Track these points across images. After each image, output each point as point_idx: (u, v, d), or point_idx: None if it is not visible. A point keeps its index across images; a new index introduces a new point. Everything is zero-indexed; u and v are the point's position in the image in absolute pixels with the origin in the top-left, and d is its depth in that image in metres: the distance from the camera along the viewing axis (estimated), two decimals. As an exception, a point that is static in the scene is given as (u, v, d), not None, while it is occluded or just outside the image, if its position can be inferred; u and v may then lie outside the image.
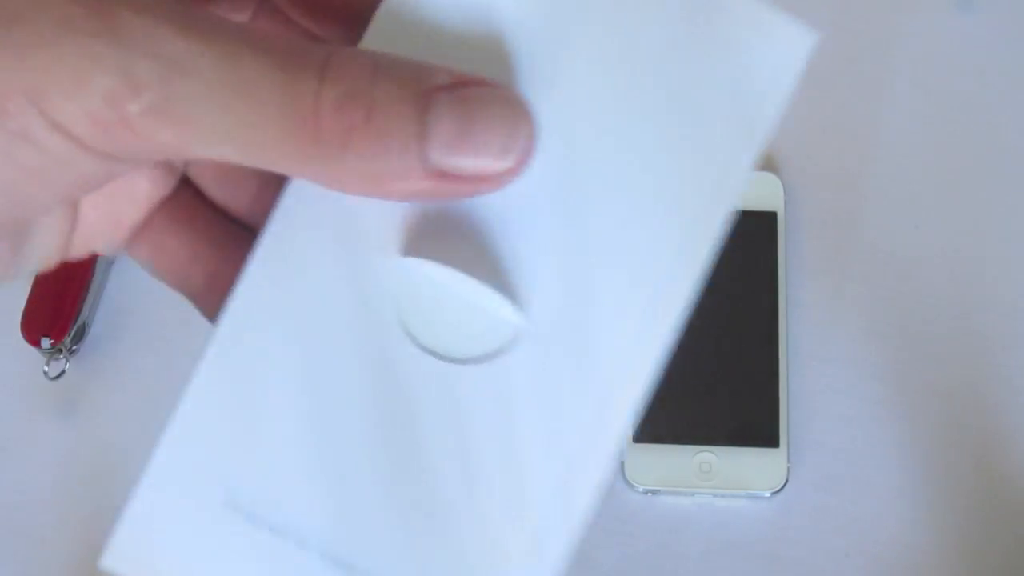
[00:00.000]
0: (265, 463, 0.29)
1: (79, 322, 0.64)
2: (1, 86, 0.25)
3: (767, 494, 0.60)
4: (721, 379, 0.62)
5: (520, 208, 0.29)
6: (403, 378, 0.29)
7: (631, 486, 0.61)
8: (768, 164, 0.66)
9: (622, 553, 0.61)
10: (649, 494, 0.61)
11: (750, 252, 0.64)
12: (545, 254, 0.29)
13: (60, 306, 0.64)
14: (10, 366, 0.65)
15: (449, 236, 0.29)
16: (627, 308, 0.30)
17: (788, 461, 0.60)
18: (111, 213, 0.32)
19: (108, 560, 0.29)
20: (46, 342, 0.63)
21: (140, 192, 0.32)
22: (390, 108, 0.26)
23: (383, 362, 0.29)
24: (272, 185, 0.30)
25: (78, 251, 0.32)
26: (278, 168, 0.27)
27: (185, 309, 0.68)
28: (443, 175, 0.27)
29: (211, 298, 0.32)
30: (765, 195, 0.65)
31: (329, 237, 0.29)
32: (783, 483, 0.60)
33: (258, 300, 0.29)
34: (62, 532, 0.62)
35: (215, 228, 0.33)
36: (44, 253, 0.31)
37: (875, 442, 0.62)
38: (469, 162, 0.27)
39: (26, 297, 0.64)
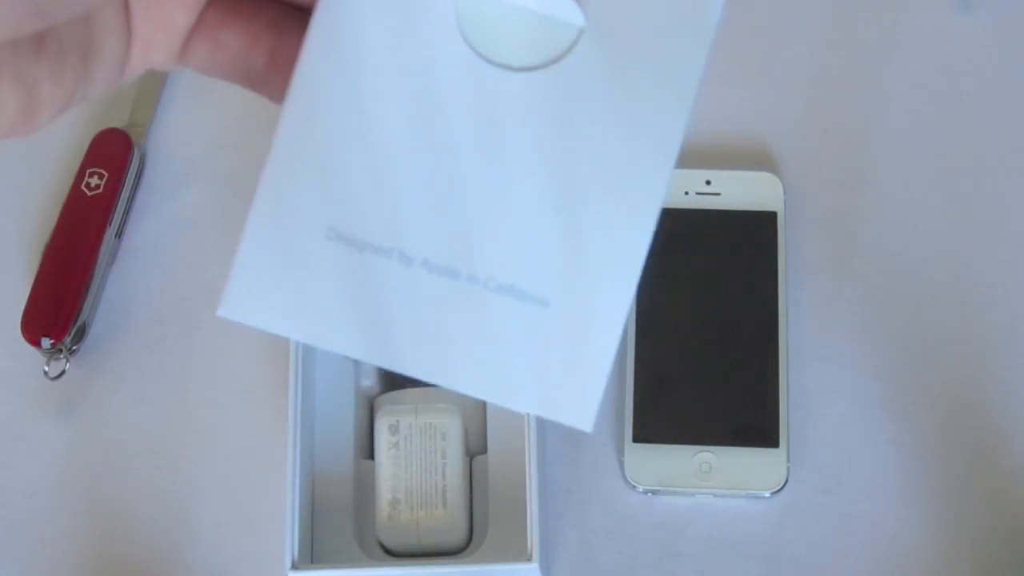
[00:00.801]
0: (357, 190, 0.30)
1: (79, 322, 0.64)
2: None
3: (767, 494, 0.60)
4: (721, 379, 0.62)
5: None
6: (479, 96, 0.30)
7: (631, 486, 0.61)
8: (768, 164, 0.66)
9: (622, 553, 0.61)
10: (649, 494, 0.61)
11: (750, 252, 0.64)
12: None
13: (60, 306, 0.64)
14: (10, 366, 0.65)
15: None
16: (675, 31, 0.31)
17: (788, 461, 0.60)
18: (163, 21, 0.34)
19: (224, 311, 0.31)
20: (46, 342, 0.63)
21: None
22: None
23: (456, 83, 0.30)
24: None
25: (137, 67, 0.34)
26: None
27: (185, 309, 0.69)
28: None
29: (273, 78, 0.33)
30: (765, 195, 0.65)
31: None
32: (783, 483, 0.60)
33: (329, 42, 0.30)
34: (62, 532, 0.62)
35: (268, 11, 0.34)
36: (109, 71, 0.32)
37: (875, 442, 0.62)
38: None
39: (26, 297, 0.64)
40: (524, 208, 0.31)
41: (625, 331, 0.62)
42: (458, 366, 0.31)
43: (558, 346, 0.30)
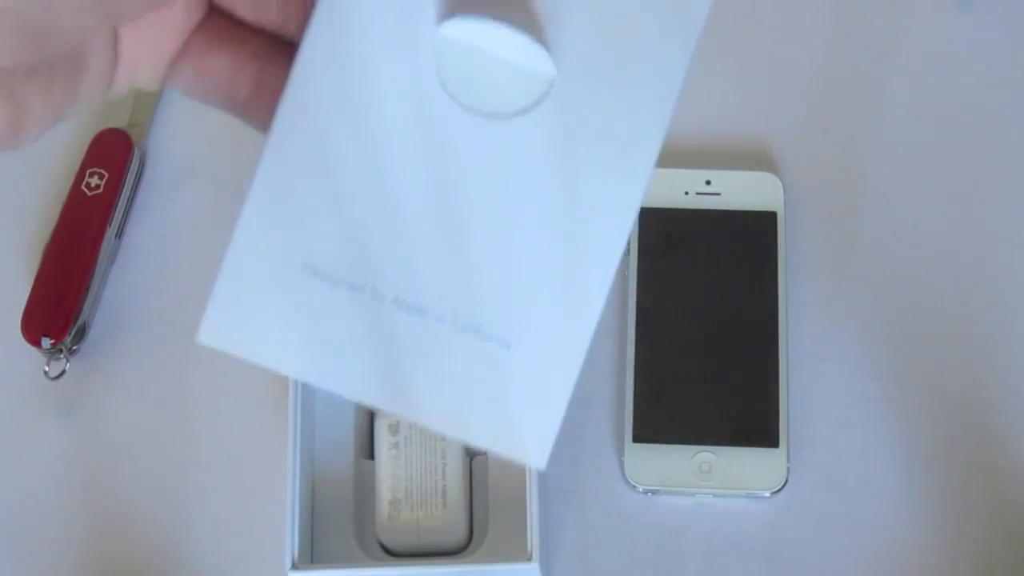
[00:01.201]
0: (333, 227, 0.31)
1: (79, 322, 0.64)
2: None
3: (767, 494, 0.60)
4: (721, 379, 0.62)
5: None
6: (453, 140, 0.32)
7: (631, 486, 0.61)
8: (768, 164, 0.66)
9: (622, 553, 0.61)
10: (649, 494, 0.61)
11: (750, 252, 0.64)
12: (573, 14, 0.31)
13: (60, 306, 0.64)
14: (10, 366, 0.65)
15: (483, 3, 0.32)
16: (648, 59, 0.32)
17: (788, 461, 0.60)
18: (151, 44, 0.35)
19: (203, 337, 0.32)
20: (46, 342, 0.63)
21: (176, 21, 0.35)
22: None
23: (432, 127, 0.32)
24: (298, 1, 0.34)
25: (122, 85, 0.35)
26: None
27: (185, 309, 0.69)
28: None
29: (258, 104, 0.35)
30: (765, 195, 0.65)
31: (369, 21, 0.32)
32: (783, 483, 0.60)
33: (314, 77, 0.32)
34: (62, 532, 0.62)
35: (253, 41, 0.36)
36: (94, 88, 0.33)
37: (875, 442, 0.62)
38: None
39: (26, 297, 0.64)
40: (490, 252, 0.31)
41: (624, 336, 0.63)
42: (420, 400, 0.32)
43: (516, 386, 0.32)
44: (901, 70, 0.68)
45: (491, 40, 0.31)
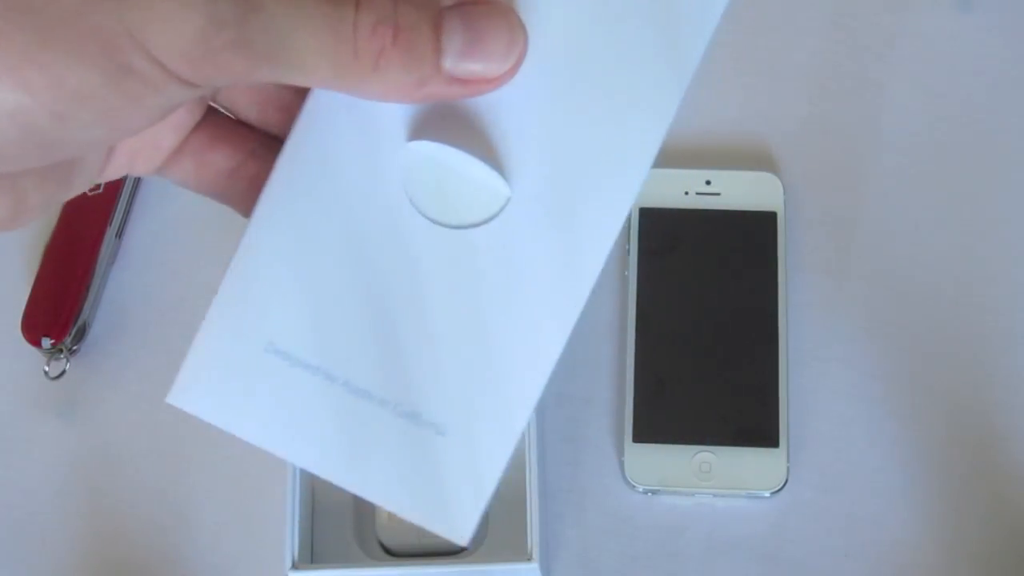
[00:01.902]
0: (297, 313, 0.35)
1: (79, 322, 0.64)
2: (110, 26, 0.30)
3: (767, 494, 0.60)
4: (721, 379, 0.62)
5: (510, 100, 0.35)
6: (412, 244, 0.35)
7: (631, 486, 0.61)
8: (768, 164, 0.66)
9: (622, 553, 0.61)
10: (649, 494, 0.61)
11: (750, 252, 0.64)
12: (529, 138, 0.35)
13: (60, 306, 0.64)
14: (10, 366, 0.65)
15: (449, 124, 0.35)
16: (596, 182, 0.35)
17: (788, 461, 0.60)
18: (151, 140, 0.37)
19: (172, 398, 0.36)
20: (46, 342, 0.64)
21: (176, 121, 0.37)
22: (411, 30, 0.32)
23: (395, 231, 0.35)
24: (299, 101, 0.36)
25: (116, 174, 0.37)
26: (323, 85, 0.33)
27: (185, 309, 0.69)
28: (456, 80, 0.33)
29: (253, 198, 0.36)
30: (765, 195, 0.65)
31: (346, 130, 0.35)
32: (783, 483, 0.60)
33: (290, 183, 0.35)
34: (62, 532, 0.62)
35: (252, 140, 0.38)
36: (88, 179, 0.35)
37: (875, 442, 0.62)
38: (477, 67, 0.33)
39: (26, 297, 0.64)
40: (435, 346, 0.35)
41: (624, 336, 0.63)
42: (363, 477, 0.35)
43: (448, 471, 0.35)
44: (901, 70, 0.68)
45: (451, 159, 0.35)
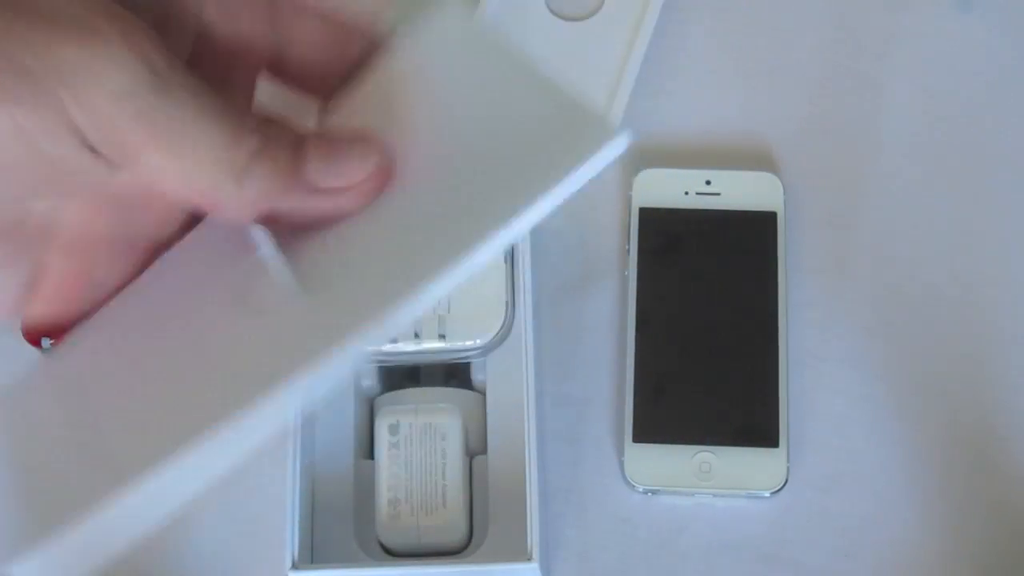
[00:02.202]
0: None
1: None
2: (34, 80, 0.32)
3: (767, 494, 0.60)
4: (721, 379, 0.62)
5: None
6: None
7: (631, 486, 0.61)
8: (768, 164, 0.66)
9: (622, 553, 0.61)
10: (649, 494, 0.61)
11: (750, 252, 0.64)
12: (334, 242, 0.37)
13: (60, 306, 0.63)
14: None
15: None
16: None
17: (788, 461, 0.60)
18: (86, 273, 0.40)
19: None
20: (46, 342, 0.63)
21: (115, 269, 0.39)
22: (277, 140, 0.36)
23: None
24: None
25: (40, 310, 0.41)
26: (197, 187, 0.35)
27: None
28: (316, 190, 0.37)
29: None
30: (765, 195, 0.65)
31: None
32: (783, 483, 0.60)
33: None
34: (62, 532, 0.62)
35: None
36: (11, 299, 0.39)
37: (875, 442, 0.62)
38: (337, 180, 0.37)
39: (26, 297, 0.64)
40: None
41: (624, 336, 0.63)
42: None
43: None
44: (901, 70, 0.68)
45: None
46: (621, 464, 0.61)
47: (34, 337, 0.64)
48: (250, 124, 0.36)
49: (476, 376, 0.61)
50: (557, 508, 0.61)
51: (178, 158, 0.34)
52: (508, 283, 0.60)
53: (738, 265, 0.64)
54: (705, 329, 0.63)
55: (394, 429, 0.58)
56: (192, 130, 0.34)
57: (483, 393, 0.60)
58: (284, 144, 0.36)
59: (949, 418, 0.62)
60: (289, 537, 0.56)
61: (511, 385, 0.59)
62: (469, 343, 0.59)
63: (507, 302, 0.60)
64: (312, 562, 0.58)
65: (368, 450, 0.60)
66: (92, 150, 0.33)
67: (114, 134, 0.33)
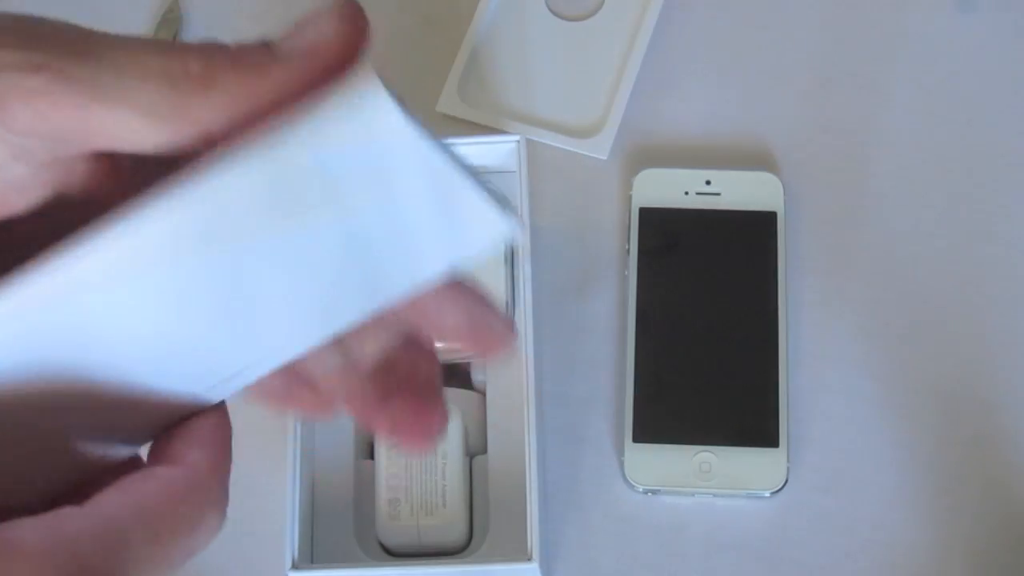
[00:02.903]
0: None
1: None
2: None
3: (767, 494, 0.60)
4: (721, 379, 0.62)
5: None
6: None
7: (631, 486, 0.61)
8: (768, 164, 0.66)
9: (622, 553, 0.61)
10: (649, 494, 0.61)
11: (750, 252, 0.64)
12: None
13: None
14: None
15: None
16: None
17: (788, 461, 0.60)
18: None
19: None
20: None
21: None
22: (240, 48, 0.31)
23: None
24: None
25: None
26: (152, 116, 0.31)
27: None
28: (297, 53, 0.31)
29: None
30: (765, 195, 0.65)
31: None
32: (783, 483, 0.60)
33: None
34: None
35: None
36: None
37: (875, 442, 0.62)
38: (311, 35, 0.31)
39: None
40: None
41: (624, 336, 0.63)
42: None
43: None
44: (901, 70, 0.68)
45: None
46: (621, 464, 0.61)
47: None
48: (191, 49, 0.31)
49: (476, 376, 0.61)
50: (557, 508, 0.61)
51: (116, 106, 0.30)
52: (508, 283, 0.60)
53: (738, 265, 0.64)
54: (705, 329, 0.63)
55: (394, 429, 0.58)
56: (127, 72, 0.30)
57: (483, 393, 0.60)
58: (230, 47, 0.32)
59: (948, 418, 0.62)
60: (289, 537, 0.56)
61: (511, 385, 0.59)
62: (469, 343, 0.59)
63: (507, 302, 0.60)
64: (312, 562, 0.58)
65: (368, 450, 0.60)
66: None
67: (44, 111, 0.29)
